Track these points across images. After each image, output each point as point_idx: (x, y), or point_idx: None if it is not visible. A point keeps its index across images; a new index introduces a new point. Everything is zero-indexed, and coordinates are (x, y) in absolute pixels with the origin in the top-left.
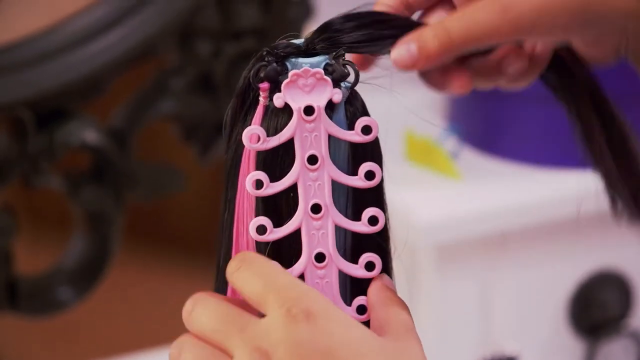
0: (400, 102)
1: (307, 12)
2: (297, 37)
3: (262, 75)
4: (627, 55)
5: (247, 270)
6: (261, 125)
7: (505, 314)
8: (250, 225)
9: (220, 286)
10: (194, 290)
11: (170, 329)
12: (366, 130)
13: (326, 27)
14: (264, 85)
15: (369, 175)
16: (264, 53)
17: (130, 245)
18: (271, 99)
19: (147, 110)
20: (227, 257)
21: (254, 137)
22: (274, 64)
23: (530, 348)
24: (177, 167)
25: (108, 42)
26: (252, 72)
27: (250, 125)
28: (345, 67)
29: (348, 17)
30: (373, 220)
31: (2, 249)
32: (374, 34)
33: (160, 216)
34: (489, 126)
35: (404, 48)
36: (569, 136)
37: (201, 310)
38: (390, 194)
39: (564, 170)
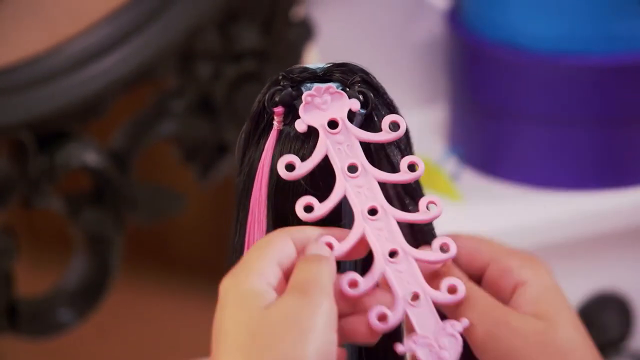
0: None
1: (307, 34)
2: (296, 61)
3: (276, 99)
4: None
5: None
6: (274, 150)
7: None
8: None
9: None
10: (194, 312)
11: (172, 350)
12: (394, 126)
13: (347, 64)
14: (279, 109)
15: (412, 167)
16: (280, 77)
17: (131, 266)
18: (285, 124)
19: (147, 132)
20: None
21: (289, 165)
22: (289, 89)
23: None
24: (177, 189)
25: (108, 64)
26: (267, 96)
27: (263, 149)
28: (361, 94)
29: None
30: (431, 208)
31: (2, 271)
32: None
33: (160, 238)
34: (489, 148)
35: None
36: (569, 158)
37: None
38: None
39: (564, 193)
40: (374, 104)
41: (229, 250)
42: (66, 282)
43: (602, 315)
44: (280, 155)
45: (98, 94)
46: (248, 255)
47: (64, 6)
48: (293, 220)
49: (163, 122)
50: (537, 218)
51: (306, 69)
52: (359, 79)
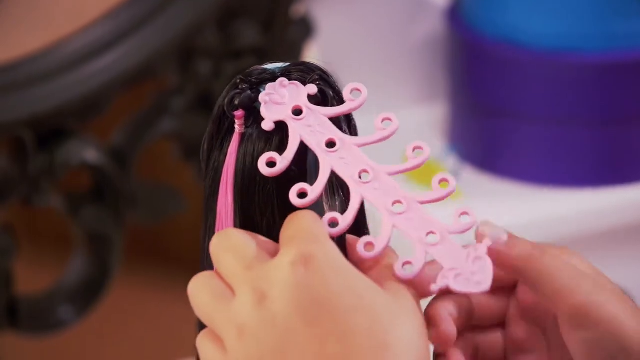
0: (400, 121)
1: (307, 32)
2: (295, 59)
3: (236, 103)
4: None
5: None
6: (238, 152)
7: None
8: (324, 220)
9: None
10: (193, 310)
11: (170, 347)
12: (356, 93)
13: (305, 63)
14: (239, 113)
15: (387, 122)
16: (238, 81)
17: (131, 264)
18: (247, 126)
19: (147, 130)
20: None
21: (270, 162)
22: (248, 92)
23: None
24: (177, 187)
25: (108, 62)
26: (226, 100)
27: (227, 153)
28: (319, 92)
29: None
30: (418, 151)
31: (2, 269)
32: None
33: (159, 236)
34: (488, 145)
35: (498, 232)
36: (568, 156)
37: (221, 243)
38: None
39: (563, 190)
40: (333, 101)
41: (200, 255)
42: (66, 280)
43: None
44: (244, 157)
45: (98, 91)
46: (307, 224)
47: (63, 4)
48: (262, 222)
49: (163, 119)
50: (536, 215)
51: (265, 71)
52: (317, 76)
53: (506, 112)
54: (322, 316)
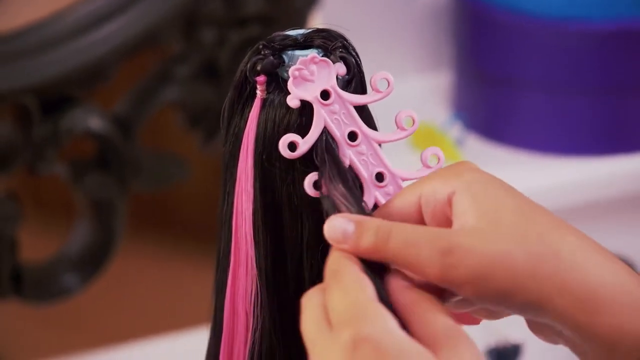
0: (406, 90)
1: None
2: (301, 26)
3: (258, 68)
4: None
5: (334, 285)
6: (259, 118)
7: None
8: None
9: (220, 278)
10: (198, 278)
11: (175, 316)
12: (383, 84)
13: (327, 29)
14: (261, 78)
15: (408, 122)
16: (260, 46)
17: (134, 232)
18: (269, 92)
19: (151, 98)
20: (227, 250)
21: (292, 145)
22: (271, 57)
23: (534, 337)
24: (181, 155)
25: (112, 29)
26: (248, 65)
27: (247, 118)
28: (342, 59)
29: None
30: (434, 160)
31: (7, 237)
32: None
33: (164, 203)
34: (494, 114)
35: (342, 225)
36: (574, 124)
37: (335, 273)
38: None
39: (569, 158)
40: (356, 69)
41: (217, 221)
42: (70, 247)
43: None
44: (266, 123)
45: (102, 59)
46: (355, 295)
47: None
48: (282, 188)
49: (167, 87)
50: (540, 183)
51: (287, 37)
52: (340, 44)
53: (511, 80)
54: None
